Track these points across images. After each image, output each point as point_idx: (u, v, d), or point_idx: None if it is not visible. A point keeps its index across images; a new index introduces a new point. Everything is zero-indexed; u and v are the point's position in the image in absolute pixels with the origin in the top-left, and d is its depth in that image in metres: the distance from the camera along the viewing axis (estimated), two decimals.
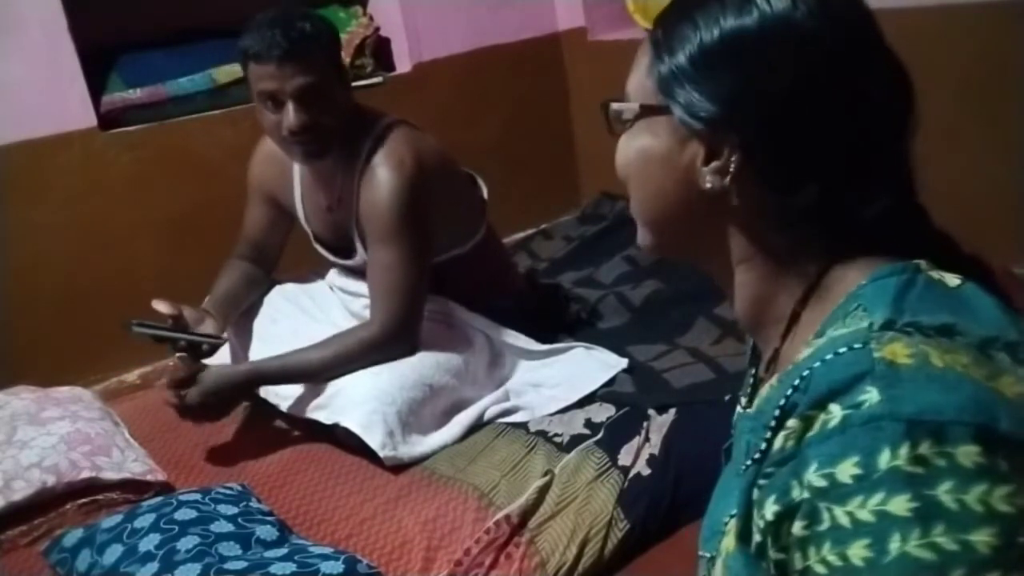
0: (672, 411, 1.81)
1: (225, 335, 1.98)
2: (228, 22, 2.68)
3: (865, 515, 0.57)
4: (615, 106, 0.76)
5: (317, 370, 1.84)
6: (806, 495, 0.60)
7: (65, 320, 2.41)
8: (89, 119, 2.41)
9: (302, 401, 1.88)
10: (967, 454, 0.56)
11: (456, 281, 2.03)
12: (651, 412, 1.82)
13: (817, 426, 0.60)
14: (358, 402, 1.76)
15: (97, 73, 2.46)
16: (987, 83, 2.09)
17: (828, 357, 0.62)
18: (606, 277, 2.52)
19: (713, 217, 0.73)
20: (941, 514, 0.55)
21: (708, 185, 0.71)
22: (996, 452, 0.56)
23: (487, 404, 1.92)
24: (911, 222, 0.72)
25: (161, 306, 1.88)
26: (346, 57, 2.78)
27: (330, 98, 1.80)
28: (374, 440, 1.73)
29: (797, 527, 0.60)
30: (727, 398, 1.82)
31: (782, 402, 0.64)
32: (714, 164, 0.71)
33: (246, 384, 1.87)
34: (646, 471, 1.69)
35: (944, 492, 0.55)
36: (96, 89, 2.44)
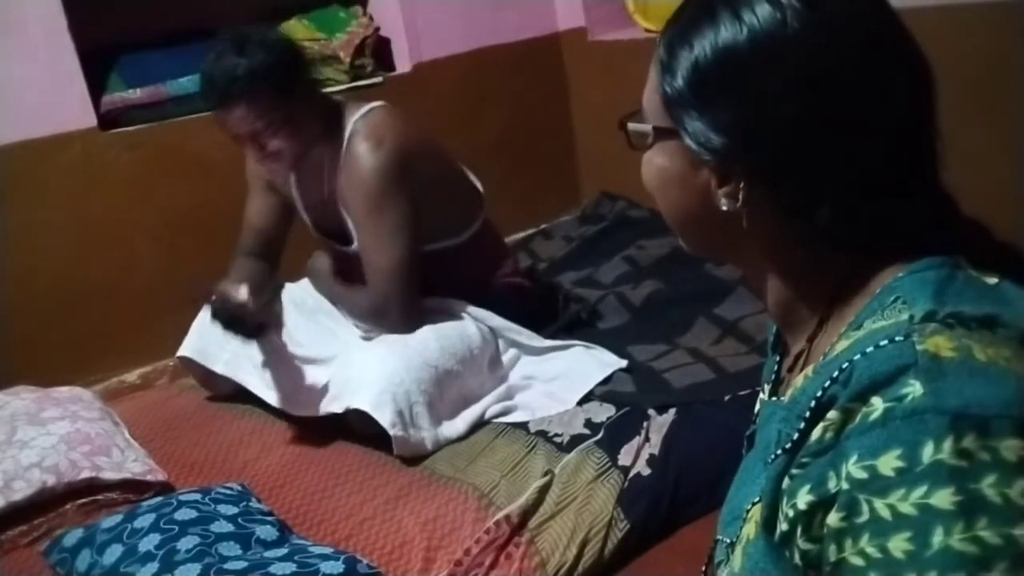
0: (672, 411, 1.81)
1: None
2: (228, 22, 2.69)
3: (907, 508, 0.56)
4: (632, 126, 0.76)
5: (344, 306, 2.06)
6: (844, 486, 0.59)
7: (65, 320, 2.41)
8: (89, 119, 2.41)
9: (313, 401, 1.89)
10: (1011, 448, 0.56)
11: (455, 271, 2.04)
12: (651, 412, 1.82)
13: (858, 418, 0.60)
14: (367, 385, 1.79)
15: (97, 73, 2.46)
16: (987, 83, 2.09)
17: (869, 350, 0.61)
18: (606, 277, 2.52)
19: (736, 233, 0.73)
20: (985, 508, 0.55)
21: (724, 208, 0.71)
22: None
23: (491, 401, 1.92)
24: (939, 217, 0.70)
25: (242, 291, 1.85)
26: (346, 57, 2.78)
27: (282, 126, 1.82)
28: (384, 418, 1.74)
29: (833, 518, 0.60)
30: (727, 397, 1.83)
31: (819, 393, 0.63)
32: (726, 189, 0.70)
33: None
34: (646, 471, 1.69)
35: (988, 486, 0.55)
36: (96, 89, 2.44)
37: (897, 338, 0.61)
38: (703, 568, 0.88)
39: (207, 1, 2.64)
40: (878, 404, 0.59)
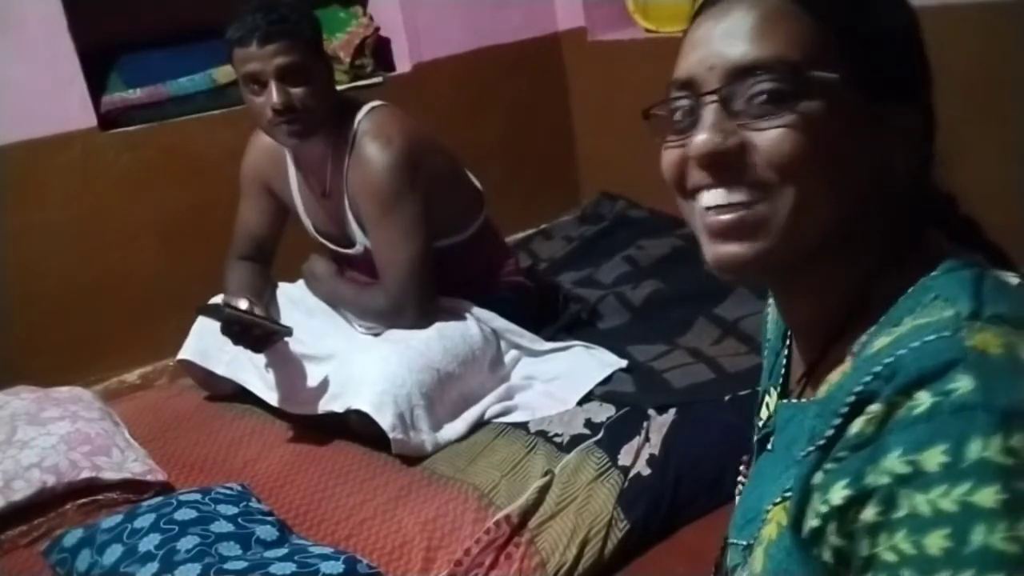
0: (672, 411, 1.81)
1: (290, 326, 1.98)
2: (228, 22, 2.70)
3: (948, 505, 0.55)
4: (773, 83, 0.66)
5: (353, 307, 2.06)
6: (884, 480, 0.58)
7: (65, 320, 2.41)
8: (89, 119, 2.41)
9: (313, 399, 1.89)
10: None
11: (458, 269, 2.04)
12: (651, 412, 1.82)
13: (902, 412, 0.58)
14: (368, 385, 1.79)
15: (97, 73, 2.46)
16: (987, 83, 2.09)
17: (915, 344, 0.60)
18: (606, 277, 2.52)
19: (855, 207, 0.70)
20: None
21: (904, 167, 0.69)
22: None
23: (491, 402, 1.92)
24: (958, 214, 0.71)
25: (243, 303, 1.86)
26: (346, 57, 2.78)
27: (312, 79, 1.82)
28: (385, 420, 1.74)
29: (869, 513, 0.59)
30: (727, 397, 1.83)
31: (858, 389, 0.61)
32: (907, 143, 0.69)
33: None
34: (646, 471, 1.69)
35: None
36: (96, 89, 2.44)
37: (944, 333, 0.60)
38: (713, 574, 0.88)
39: (207, 1, 2.64)
40: (924, 398, 0.58)
